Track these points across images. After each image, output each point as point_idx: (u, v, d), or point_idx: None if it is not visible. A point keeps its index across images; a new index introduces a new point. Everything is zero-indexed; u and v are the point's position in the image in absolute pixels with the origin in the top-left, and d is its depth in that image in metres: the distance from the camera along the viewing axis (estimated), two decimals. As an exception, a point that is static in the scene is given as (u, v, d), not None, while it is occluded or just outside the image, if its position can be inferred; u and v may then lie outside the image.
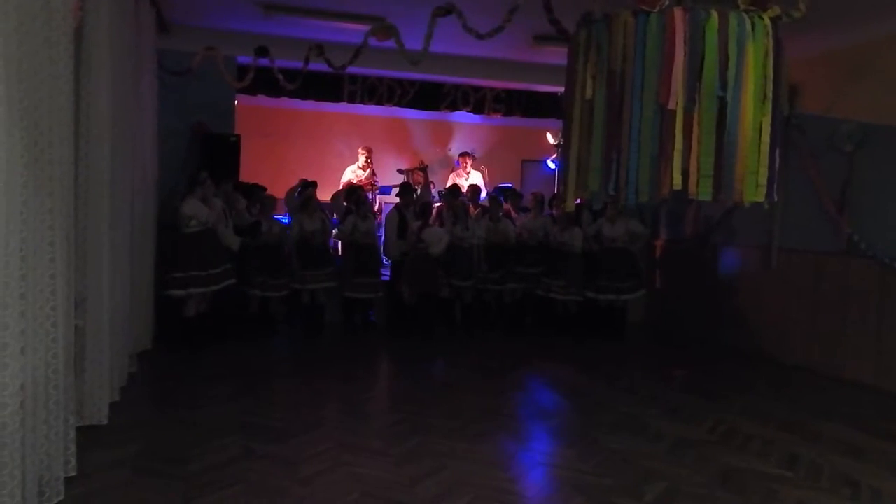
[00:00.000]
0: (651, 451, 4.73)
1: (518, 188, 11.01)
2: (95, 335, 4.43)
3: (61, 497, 3.44)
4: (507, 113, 10.80)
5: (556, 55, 9.22)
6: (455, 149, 12.37)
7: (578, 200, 5.68)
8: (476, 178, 10.95)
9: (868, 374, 6.75)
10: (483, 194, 9.83)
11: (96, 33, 4.32)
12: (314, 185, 8.40)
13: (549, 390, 6.50)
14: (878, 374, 6.67)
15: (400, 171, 10.78)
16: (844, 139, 7.13)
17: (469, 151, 11.36)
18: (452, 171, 11.41)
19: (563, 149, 4.68)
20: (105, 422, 4.60)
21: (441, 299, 8.38)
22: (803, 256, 7.57)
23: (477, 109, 10.71)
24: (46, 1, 3.15)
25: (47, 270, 3.23)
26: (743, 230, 8.45)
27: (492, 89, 10.64)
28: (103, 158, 4.47)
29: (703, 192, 4.11)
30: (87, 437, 3.85)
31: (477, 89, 10.61)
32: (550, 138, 10.72)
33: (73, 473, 3.66)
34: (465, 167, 11.09)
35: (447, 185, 10.01)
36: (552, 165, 10.89)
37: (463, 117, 11.95)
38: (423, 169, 10.40)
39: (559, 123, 11.10)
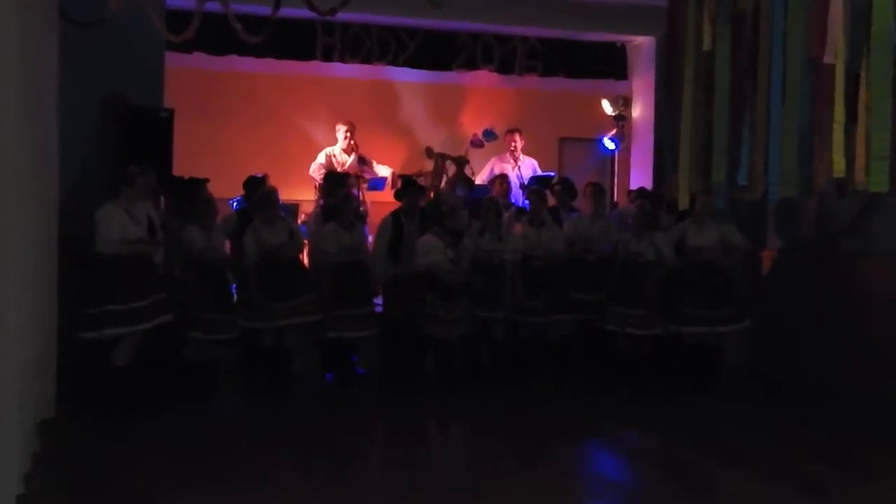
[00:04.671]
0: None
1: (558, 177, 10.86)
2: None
3: None
4: (546, 73, 10.82)
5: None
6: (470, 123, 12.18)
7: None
8: (530, 165, 10.81)
9: None
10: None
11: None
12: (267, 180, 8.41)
13: (631, 468, 6.42)
14: None
15: (429, 155, 10.71)
16: None
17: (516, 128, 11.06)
18: (496, 156, 11.12)
19: (667, 124, 4.63)
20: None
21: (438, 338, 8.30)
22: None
23: (504, 68, 10.73)
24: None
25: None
26: (886, 234, 8.40)
27: (524, 40, 10.65)
28: (8, 144, 4.36)
29: (875, 180, 4.06)
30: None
31: (504, 40, 10.62)
32: (608, 107, 10.69)
33: None
34: (515, 149, 10.80)
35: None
36: (611, 146, 10.86)
37: (478, 80, 11.86)
38: (460, 161, 10.33)
39: (618, 85, 11.17)
